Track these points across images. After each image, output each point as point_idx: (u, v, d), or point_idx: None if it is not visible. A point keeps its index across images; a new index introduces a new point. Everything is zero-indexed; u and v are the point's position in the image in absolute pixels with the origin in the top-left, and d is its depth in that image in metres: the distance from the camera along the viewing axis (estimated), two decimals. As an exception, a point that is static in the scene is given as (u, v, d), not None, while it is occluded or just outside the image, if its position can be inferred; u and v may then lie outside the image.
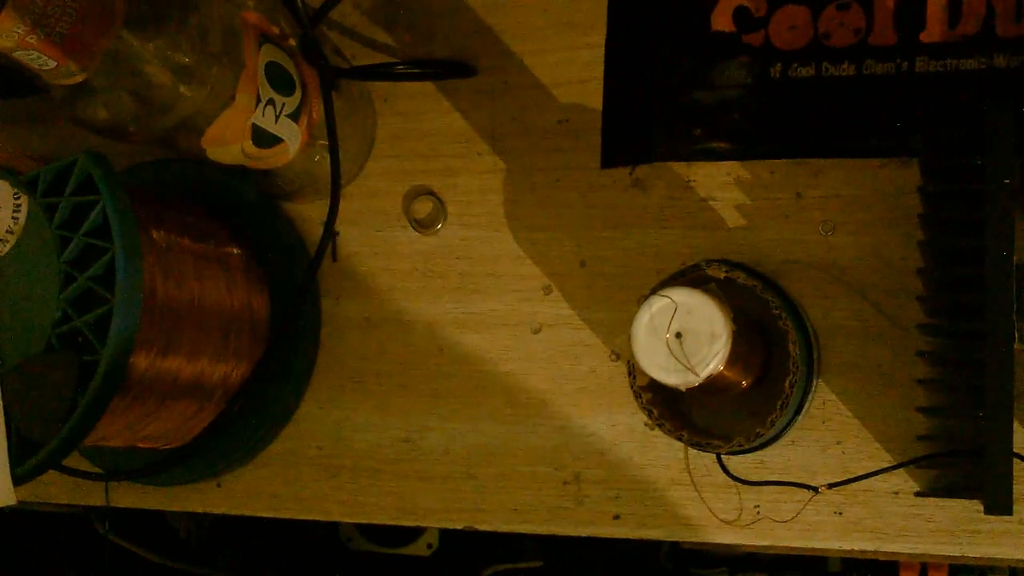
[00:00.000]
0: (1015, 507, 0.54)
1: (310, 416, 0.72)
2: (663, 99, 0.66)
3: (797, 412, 0.60)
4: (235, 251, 0.70)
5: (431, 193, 0.71)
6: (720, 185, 0.65)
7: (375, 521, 0.70)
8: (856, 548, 0.62)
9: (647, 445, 0.65)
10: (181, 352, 0.64)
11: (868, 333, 0.62)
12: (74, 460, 0.70)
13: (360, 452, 0.71)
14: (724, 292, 0.53)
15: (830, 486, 0.61)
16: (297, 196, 0.73)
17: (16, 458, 0.57)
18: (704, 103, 0.65)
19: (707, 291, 0.52)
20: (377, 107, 0.72)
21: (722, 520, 0.64)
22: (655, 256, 0.66)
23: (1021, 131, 0.55)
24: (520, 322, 0.68)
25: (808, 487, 0.62)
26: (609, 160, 0.67)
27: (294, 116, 0.65)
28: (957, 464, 0.58)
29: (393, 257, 0.71)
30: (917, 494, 0.60)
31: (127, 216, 0.57)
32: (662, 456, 0.65)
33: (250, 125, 0.62)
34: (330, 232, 0.70)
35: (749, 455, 0.63)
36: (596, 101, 0.68)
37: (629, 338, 0.52)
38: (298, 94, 0.65)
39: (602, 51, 0.68)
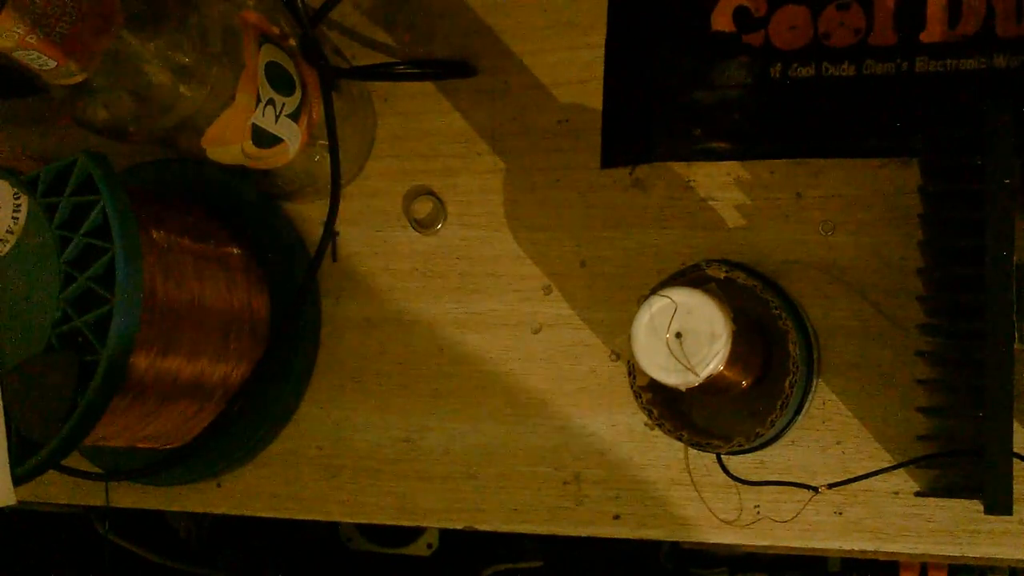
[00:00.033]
0: (1015, 507, 0.54)
1: (310, 416, 0.72)
2: (663, 99, 0.66)
3: (797, 412, 0.60)
4: (235, 251, 0.70)
5: (431, 193, 0.71)
6: (720, 185, 0.65)
7: (375, 521, 0.70)
8: (856, 548, 0.62)
9: (647, 445, 0.65)
10: (181, 352, 0.64)
11: (868, 333, 0.62)
12: (74, 460, 0.70)
13: (360, 452, 0.71)
14: (724, 292, 0.53)
15: (830, 486, 0.61)
16: (297, 196, 0.73)
17: (16, 458, 0.57)
18: (704, 103, 0.65)
19: (707, 291, 0.52)
20: (377, 107, 0.72)
21: (722, 520, 0.64)
22: (655, 256, 0.66)
23: (1021, 131, 0.55)
24: (520, 322, 0.68)
25: (808, 487, 0.62)
26: (609, 160, 0.67)
27: (294, 116, 0.65)
28: (957, 464, 0.58)
29: (393, 257, 0.71)
30: (917, 494, 0.60)
31: (127, 216, 0.57)
32: (662, 456, 0.65)
33: (250, 125, 0.62)
34: (330, 232, 0.70)
35: (749, 455, 0.63)
36: (596, 101, 0.68)
37: (629, 338, 0.52)
38: (298, 94, 0.65)
39: (602, 51, 0.68)
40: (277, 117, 0.63)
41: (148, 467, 0.71)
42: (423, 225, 0.71)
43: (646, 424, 0.65)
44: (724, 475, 0.63)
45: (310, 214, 0.73)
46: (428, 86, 0.71)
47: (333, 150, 0.67)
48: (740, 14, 0.65)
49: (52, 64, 0.52)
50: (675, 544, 0.73)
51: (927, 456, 0.59)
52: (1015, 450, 0.54)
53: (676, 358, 0.51)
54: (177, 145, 0.62)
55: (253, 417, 0.70)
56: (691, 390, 0.52)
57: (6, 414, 0.57)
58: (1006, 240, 0.54)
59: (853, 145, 0.63)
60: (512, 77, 0.70)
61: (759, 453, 0.63)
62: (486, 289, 0.69)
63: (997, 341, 0.54)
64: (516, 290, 0.69)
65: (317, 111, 0.66)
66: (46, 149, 0.78)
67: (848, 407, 0.62)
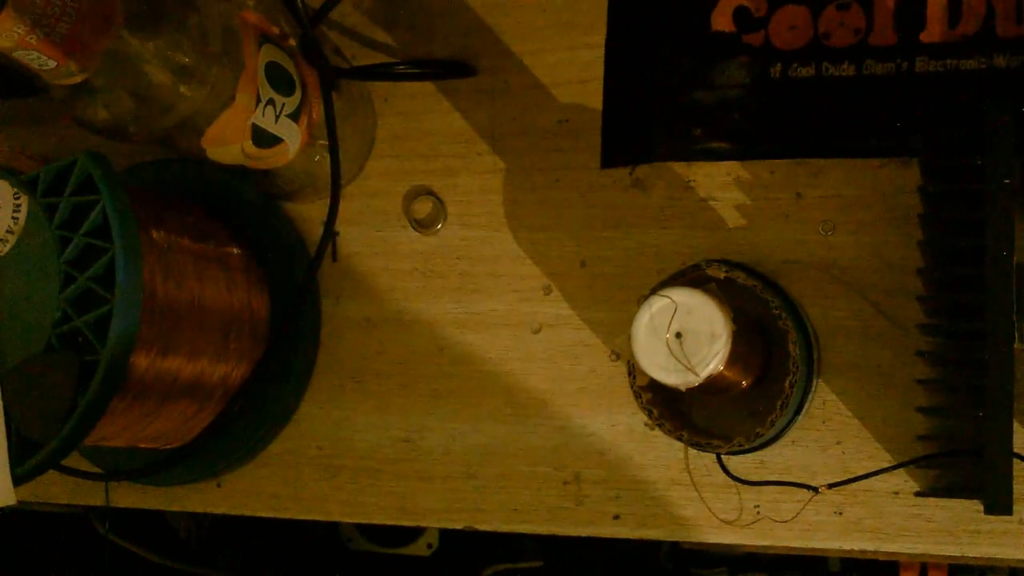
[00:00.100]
0: (1015, 507, 0.54)
1: (310, 416, 0.72)
2: (663, 99, 0.66)
3: (797, 412, 0.60)
4: (235, 251, 0.70)
5: (431, 193, 0.71)
6: (720, 185, 0.65)
7: (375, 521, 0.70)
8: (856, 548, 0.62)
9: (647, 445, 0.65)
10: (181, 352, 0.64)
11: (868, 333, 0.62)
12: (74, 460, 0.70)
13: (360, 452, 0.71)
14: (724, 292, 0.53)
15: (830, 486, 0.61)
16: (297, 196, 0.73)
17: (16, 458, 0.57)
18: (704, 103, 0.65)
19: (707, 291, 0.52)
20: (377, 107, 0.72)
21: (722, 520, 0.64)
22: (655, 256, 0.66)
23: (1021, 131, 0.55)
24: (520, 322, 0.68)
25: (808, 487, 0.62)
26: (609, 160, 0.67)
27: (294, 116, 0.65)
28: (957, 464, 0.58)
29: (393, 257, 0.71)
30: (917, 494, 0.60)
31: (127, 216, 0.57)
32: (662, 456, 0.65)
33: (250, 125, 0.62)
34: (330, 232, 0.70)
35: (749, 455, 0.63)
36: (596, 101, 0.68)
37: (629, 338, 0.52)
38: (298, 94, 0.65)
39: (602, 51, 0.68)
40: (277, 117, 0.63)
41: (148, 467, 0.71)
42: (423, 225, 0.71)
43: (646, 424, 0.65)
44: (724, 475, 0.63)
45: (310, 214, 0.73)
46: (428, 86, 0.71)
47: (333, 150, 0.67)
48: (740, 14, 0.65)
49: (52, 64, 0.52)
50: (675, 544, 0.73)
51: (927, 456, 0.59)
52: (1015, 450, 0.54)
53: (676, 358, 0.51)
54: (177, 145, 0.62)
55: (253, 417, 0.70)
56: (691, 390, 0.52)
57: (6, 414, 0.57)
58: (1006, 240, 0.54)
59: (853, 145, 0.63)
60: (512, 77, 0.70)
61: (759, 453, 0.63)
62: (486, 289, 0.69)
63: (997, 341, 0.54)
64: (516, 290, 0.69)
65: (317, 111, 0.66)
66: (46, 149, 0.78)
67: (848, 407, 0.62)
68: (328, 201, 0.69)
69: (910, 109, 0.62)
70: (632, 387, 0.58)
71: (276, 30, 0.64)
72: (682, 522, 0.64)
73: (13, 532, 1.04)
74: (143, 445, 0.69)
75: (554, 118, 0.69)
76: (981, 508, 0.54)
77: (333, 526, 1.10)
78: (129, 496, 0.75)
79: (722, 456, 0.63)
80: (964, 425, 0.57)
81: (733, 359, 0.52)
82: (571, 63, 0.69)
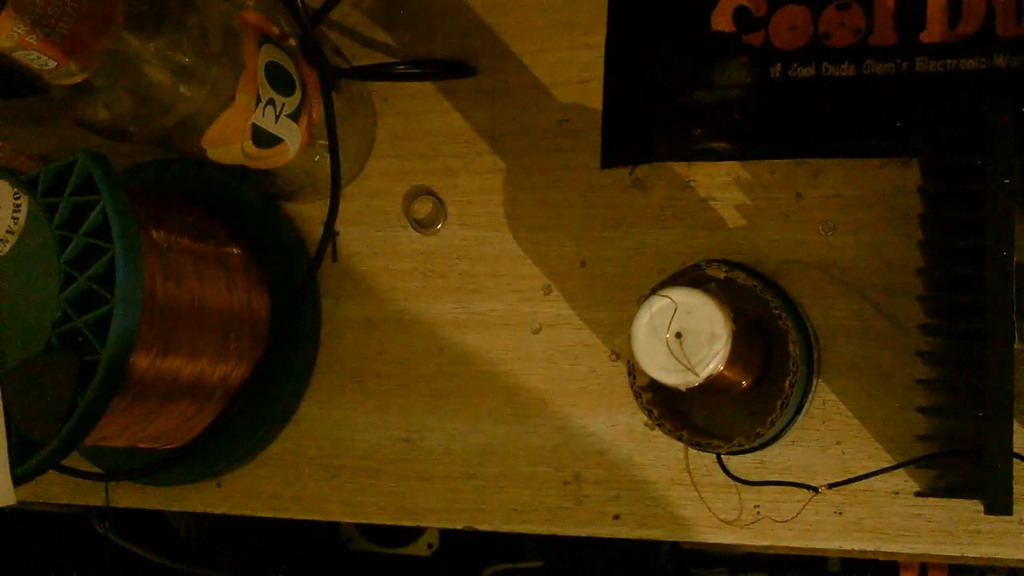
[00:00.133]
0: (1015, 507, 0.54)
1: (310, 416, 0.72)
2: (663, 99, 0.66)
3: (797, 412, 0.60)
4: (235, 251, 0.70)
5: (431, 193, 0.71)
6: (720, 185, 0.65)
7: (375, 521, 0.70)
8: (856, 548, 0.62)
9: (647, 445, 0.65)
10: (181, 352, 0.64)
11: (868, 333, 0.62)
12: (74, 460, 0.70)
13: (360, 452, 0.71)
14: (724, 292, 0.53)
15: (830, 486, 0.61)
16: (297, 196, 0.73)
17: (16, 458, 0.57)
18: (704, 103, 0.65)
19: (707, 291, 0.52)
20: (377, 107, 0.72)
21: (722, 520, 0.64)
22: (655, 256, 0.66)
23: (1021, 131, 0.55)
24: (520, 322, 0.68)
25: (808, 487, 0.62)
26: (609, 160, 0.67)
27: (294, 116, 0.65)
28: (957, 464, 0.58)
29: (393, 257, 0.71)
30: (917, 494, 0.60)
31: (127, 216, 0.57)
32: (662, 456, 0.65)
33: (250, 125, 0.62)
34: (330, 232, 0.70)
35: (749, 455, 0.63)
36: (596, 101, 0.68)
37: (629, 338, 0.52)
38: (298, 94, 0.65)
39: (602, 51, 0.68)
40: (277, 117, 0.63)
41: (148, 467, 0.71)
42: (423, 225, 0.71)
43: (646, 424, 0.65)
44: (724, 475, 0.63)
45: (310, 214, 0.73)
46: (428, 86, 0.71)
47: (333, 150, 0.67)
48: (740, 14, 0.65)
49: (52, 64, 0.52)
50: (675, 544, 0.73)
51: (927, 456, 0.59)
52: (1015, 450, 0.54)
53: (676, 358, 0.51)
54: (177, 145, 0.62)
55: (253, 417, 0.70)
56: (691, 390, 0.52)
57: (6, 414, 0.57)
58: (1006, 240, 0.54)
59: (853, 145, 0.63)
60: (512, 77, 0.70)
61: (759, 453, 0.63)
62: (486, 289, 0.69)
63: (997, 341, 0.54)
64: (516, 290, 0.69)
65: (317, 111, 0.66)
66: (46, 149, 0.78)
67: (848, 407, 0.62)
68: (328, 201, 0.69)
69: (910, 109, 0.62)
70: (632, 387, 0.58)
71: (276, 30, 0.64)
72: (682, 522, 0.64)
73: (13, 532, 1.04)
74: (143, 445, 0.69)
75: (554, 118, 0.69)
76: (981, 508, 0.54)
77: (333, 526, 1.10)
78: (129, 496, 0.75)
79: (722, 456, 0.63)
80: (964, 425, 0.57)
81: (733, 359, 0.52)
82: (571, 63, 0.69)
